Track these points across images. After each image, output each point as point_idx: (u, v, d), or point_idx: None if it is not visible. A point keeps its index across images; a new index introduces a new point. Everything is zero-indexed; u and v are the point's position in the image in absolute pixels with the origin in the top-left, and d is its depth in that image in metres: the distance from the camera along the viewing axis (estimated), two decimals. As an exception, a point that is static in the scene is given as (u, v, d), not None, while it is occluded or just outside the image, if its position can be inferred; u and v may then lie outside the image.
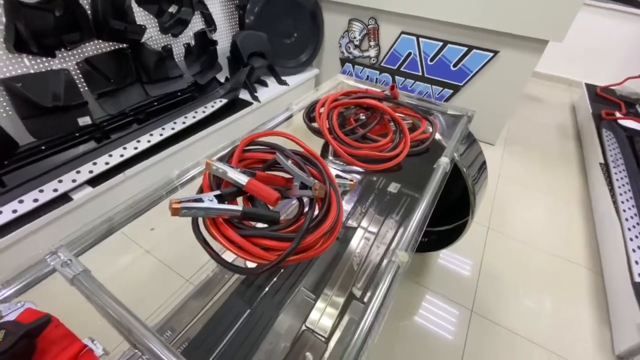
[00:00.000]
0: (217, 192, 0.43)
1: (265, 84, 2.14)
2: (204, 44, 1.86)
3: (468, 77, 2.05)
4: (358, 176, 1.07)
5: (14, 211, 1.10)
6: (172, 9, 1.63)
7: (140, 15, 1.56)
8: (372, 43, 2.25)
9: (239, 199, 0.46)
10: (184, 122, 1.60)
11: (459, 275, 1.36)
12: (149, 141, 1.47)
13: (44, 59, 1.31)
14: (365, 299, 0.67)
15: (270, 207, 0.46)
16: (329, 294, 0.72)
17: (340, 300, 0.72)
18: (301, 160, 0.49)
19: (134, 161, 1.41)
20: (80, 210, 1.26)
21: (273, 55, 2.16)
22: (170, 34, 1.67)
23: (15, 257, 1.11)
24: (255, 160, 0.52)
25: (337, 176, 0.55)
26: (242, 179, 0.45)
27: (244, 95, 1.98)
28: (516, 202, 1.76)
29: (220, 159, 0.49)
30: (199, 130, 1.64)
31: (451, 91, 2.15)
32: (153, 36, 1.64)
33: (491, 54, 1.91)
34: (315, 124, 0.70)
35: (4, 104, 1.24)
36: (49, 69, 1.33)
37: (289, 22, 2.22)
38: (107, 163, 1.33)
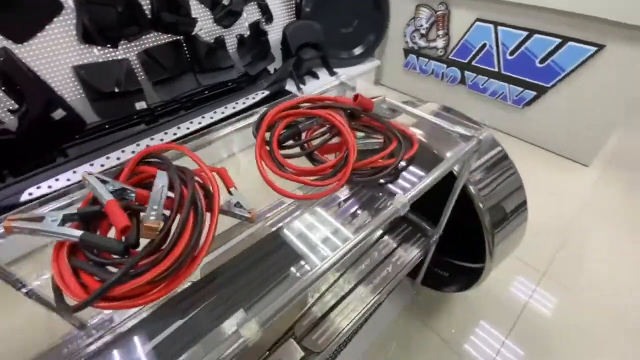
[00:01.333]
0: (73, 211, 0.41)
1: (316, 76, 2.09)
2: (257, 35, 1.89)
3: (559, 76, 1.62)
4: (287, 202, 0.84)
5: (68, 179, 1.31)
6: (226, 0, 1.69)
7: (197, 8, 1.65)
8: (440, 32, 1.96)
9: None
10: (222, 112, 1.67)
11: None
12: (188, 128, 1.57)
13: (110, 49, 1.50)
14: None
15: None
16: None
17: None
18: (179, 181, 0.43)
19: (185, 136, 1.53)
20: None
21: (328, 46, 2.07)
22: (222, 26, 1.73)
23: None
24: (151, 175, 0.48)
25: (237, 204, 0.48)
26: (105, 198, 0.42)
27: (292, 87, 1.96)
28: (601, 247, 1.34)
29: (111, 173, 0.47)
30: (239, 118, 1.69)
31: (534, 93, 1.74)
32: (205, 28, 1.72)
33: (594, 49, 1.46)
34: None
35: (78, 87, 1.47)
36: (113, 58, 1.52)
37: (349, 9, 2.09)
38: (147, 146, 1.48)
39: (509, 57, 1.74)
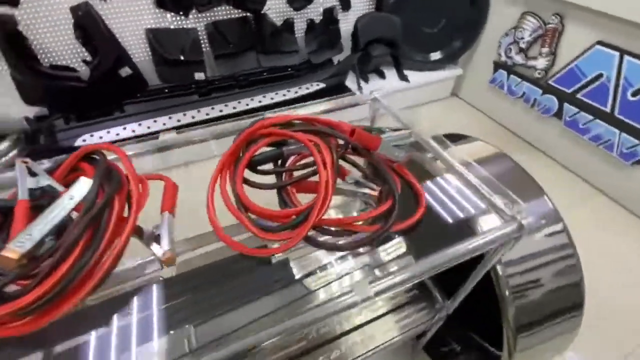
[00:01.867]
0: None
1: (382, 76, 1.91)
2: (329, 22, 1.78)
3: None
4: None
5: (117, 134, 1.41)
6: (302, -19, 1.60)
7: (272, -14, 1.60)
8: (544, 50, 1.61)
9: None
10: (272, 98, 1.62)
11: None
12: (234, 107, 1.57)
13: (181, 17, 1.54)
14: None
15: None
16: None
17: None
18: (93, 195, 0.36)
19: (214, 122, 1.55)
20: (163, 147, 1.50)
21: (404, 45, 1.87)
22: (293, 8, 1.66)
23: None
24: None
25: (156, 237, 0.40)
26: (19, 196, 0.38)
27: (352, 83, 1.82)
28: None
29: (51, 165, 0.43)
30: (284, 108, 1.64)
31: (654, 149, 1.33)
32: (276, 8, 1.67)
33: None
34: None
35: (147, 50, 1.55)
36: (182, 26, 1.56)
37: (440, 6, 1.83)
38: (192, 117, 1.51)
39: (631, 98, 1.35)
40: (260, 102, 1.61)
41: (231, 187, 0.45)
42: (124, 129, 1.43)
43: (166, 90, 1.63)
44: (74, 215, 0.37)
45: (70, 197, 0.37)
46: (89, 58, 1.42)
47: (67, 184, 0.42)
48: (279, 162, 0.51)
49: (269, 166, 0.50)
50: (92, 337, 0.55)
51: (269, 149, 0.51)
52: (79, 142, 1.37)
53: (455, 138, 0.75)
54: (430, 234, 0.52)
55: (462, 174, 0.53)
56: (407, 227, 0.45)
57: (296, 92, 1.67)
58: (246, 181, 0.47)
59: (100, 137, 1.39)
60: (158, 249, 0.39)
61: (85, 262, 0.34)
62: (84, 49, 1.39)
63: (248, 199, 0.44)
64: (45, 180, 0.41)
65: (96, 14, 1.33)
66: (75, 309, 0.34)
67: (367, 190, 0.46)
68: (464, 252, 0.43)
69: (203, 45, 1.62)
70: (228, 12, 1.61)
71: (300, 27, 1.76)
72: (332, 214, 0.77)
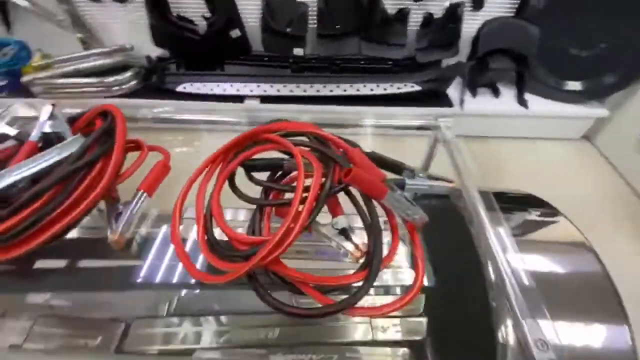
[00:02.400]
0: (7, 134, 0.42)
1: (496, 93, 1.62)
2: (450, 20, 1.56)
3: None
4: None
5: (211, 89, 1.53)
6: (433, -31, 1.42)
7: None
8: None
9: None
10: (357, 90, 1.54)
11: None
12: (318, 91, 1.54)
13: (297, -11, 1.54)
14: None
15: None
16: None
17: None
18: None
19: (304, 101, 1.55)
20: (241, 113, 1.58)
21: (537, 63, 1.53)
22: (412, -3, 1.50)
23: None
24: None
25: (119, 212, 0.38)
26: (33, 137, 0.41)
27: (456, 93, 1.60)
28: None
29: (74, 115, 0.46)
30: (377, 105, 1.53)
31: None
32: (393, -6, 1.53)
33: None
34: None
35: (257, 16, 1.61)
36: (296, -1, 1.57)
37: (605, 25, 1.42)
38: (278, 90, 1.54)
39: None
40: (345, 90, 1.54)
41: (210, 190, 0.42)
42: (218, 86, 1.54)
43: (266, 59, 1.69)
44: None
45: (59, 152, 0.39)
46: (207, 15, 1.55)
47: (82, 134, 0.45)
48: (278, 175, 0.45)
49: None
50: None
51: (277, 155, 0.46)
52: (179, 88, 1.53)
53: (527, 202, 0.57)
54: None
55: (498, 266, 0.39)
56: (373, 314, 0.35)
57: (385, 90, 1.54)
58: (232, 185, 0.43)
59: (198, 89, 1.53)
60: (112, 228, 0.39)
61: (43, 214, 0.35)
62: (205, 6, 1.52)
63: (218, 207, 0.40)
64: (60, 127, 0.44)
65: (221, -25, 1.42)
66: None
67: (349, 246, 0.37)
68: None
69: (309, 22, 1.60)
70: (343, -10, 1.55)
71: (415, 19, 1.59)
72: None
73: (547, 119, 1.60)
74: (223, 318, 0.50)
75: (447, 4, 1.55)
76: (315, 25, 1.62)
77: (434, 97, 1.59)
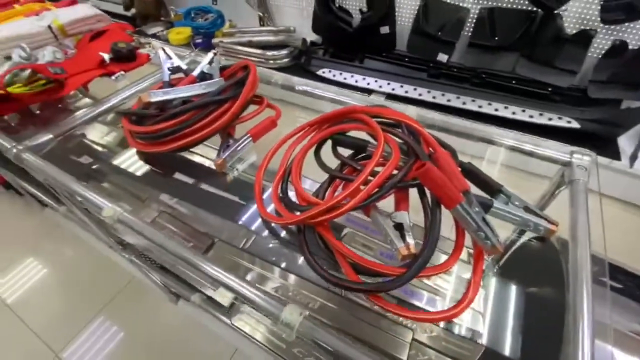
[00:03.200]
0: (181, 67, 0.55)
1: (697, 159, 1.20)
2: (656, 52, 1.22)
3: None
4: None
5: (345, 78, 1.62)
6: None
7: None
8: None
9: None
10: (496, 110, 1.37)
11: None
12: (464, 103, 1.44)
13: (462, -5, 1.46)
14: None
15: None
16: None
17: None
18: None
19: (431, 107, 1.48)
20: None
21: None
22: (604, 19, 1.22)
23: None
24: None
25: (233, 148, 0.45)
26: (196, 71, 0.53)
27: (628, 146, 1.26)
28: None
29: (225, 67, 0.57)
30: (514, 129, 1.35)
31: None
32: (577, 11, 1.28)
33: None
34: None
35: (412, 15, 1.60)
36: (459, 3, 1.49)
37: None
38: (406, 92, 1.52)
39: None
40: (480, 107, 1.40)
41: (298, 150, 0.46)
42: (352, 76, 1.62)
43: (406, 59, 1.68)
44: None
45: (204, 88, 0.50)
46: (364, 9, 1.63)
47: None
48: (361, 155, 0.47)
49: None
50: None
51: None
52: (319, 72, 1.68)
53: None
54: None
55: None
56: (400, 314, 0.33)
57: (531, 117, 1.33)
58: (317, 152, 0.47)
59: (334, 75, 1.65)
60: (219, 155, 0.48)
61: (180, 128, 0.46)
62: (365, 1, 1.60)
63: (298, 166, 0.44)
64: (213, 71, 0.56)
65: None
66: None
67: (397, 241, 0.36)
68: None
69: (465, 28, 1.50)
70: (517, 1, 1.38)
71: (599, 46, 1.30)
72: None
73: None
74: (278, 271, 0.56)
75: (658, 31, 1.21)
76: (469, 34, 1.51)
77: (596, 141, 1.29)
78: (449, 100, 1.44)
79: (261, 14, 2.00)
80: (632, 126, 1.21)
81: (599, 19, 1.23)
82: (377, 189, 0.36)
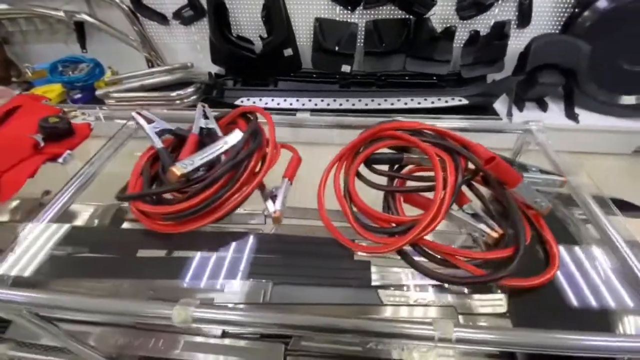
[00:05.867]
0: (172, 128, 0.49)
1: (544, 107, 1.64)
2: (496, 37, 1.61)
3: None
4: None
5: (266, 103, 1.63)
6: (479, -11, 1.49)
7: (445, -10, 1.54)
8: None
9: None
10: (405, 104, 1.59)
11: None
12: (366, 104, 1.61)
13: (348, 11, 1.64)
14: None
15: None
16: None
17: None
18: (241, 145, 0.43)
19: (353, 114, 1.62)
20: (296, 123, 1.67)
21: (587, 78, 1.55)
22: (459, 16, 1.56)
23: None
24: (240, 128, 0.51)
25: (273, 195, 0.43)
26: (193, 130, 0.48)
27: (502, 106, 1.63)
28: None
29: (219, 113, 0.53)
30: (418, 116, 1.58)
31: None
32: (440, 14, 1.60)
33: None
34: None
35: (309, 36, 1.72)
36: (346, 19, 1.67)
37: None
38: (328, 104, 1.62)
39: None
40: (392, 104, 1.60)
41: (344, 176, 0.47)
42: (272, 100, 1.64)
43: (314, 76, 1.79)
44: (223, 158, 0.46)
45: (225, 142, 0.45)
46: (264, 35, 1.67)
47: (226, 132, 0.52)
48: (396, 167, 0.51)
49: (383, 168, 0.51)
50: (197, 256, 0.68)
51: (389, 151, 0.51)
52: (237, 102, 1.64)
53: (628, 208, 0.60)
54: (545, 307, 0.43)
55: (621, 253, 0.42)
56: (520, 286, 0.38)
57: (432, 103, 1.59)
58: (359, 175, 0.48)
59: (253, 102, 1.63)
60: (271, 206, 0.45)
61: (222, 194, 0.41)
62: (263, 27, 1.64)
63: (355, 192, 0.45)
64: (212, 124, 0.51)
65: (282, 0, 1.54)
66: (197, 229, 0.42)
67: (485, 228, 0.41)
68: (584, 346, 0.34)
69: (358, 40, 1.70)
70: (391, 12, 1.64)
71: (460, 36, 1.66)
72: (429, 237, 0.72)
73: (596, 133, 1.60)
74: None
75: (492, 21, 1.61)
76: (362, 44, 1.71)
77: (480, 110, 1.62)
78: (366, 105, 1.61)
79: (147, 55, 1.83)
80: (502, 94, 1.58)
81: (458, 16, 1.57)
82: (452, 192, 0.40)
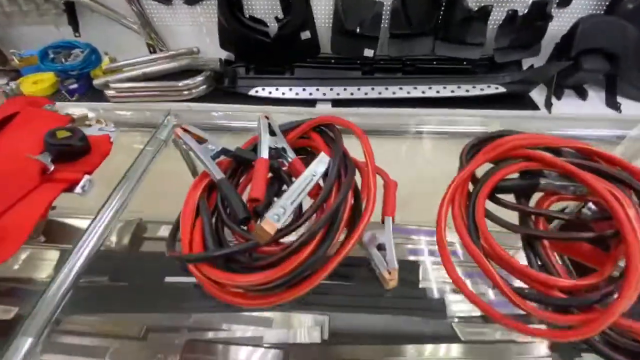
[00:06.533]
0: (232, 148, 0.37)
1: (583, 95, 1.52)
2: (537, 17, 1.47)
3: None
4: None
5: (283, 93, 1.49)
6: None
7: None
8: None
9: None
10: (437, 92, 1.46)
11: None
12: (394, 93, 1.47)
13: (374, -12, 1.47)
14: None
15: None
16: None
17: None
18: (334, 178, 0.31)
19: (371, 103, 1.49)
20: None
21: (633, 64, 1.43)
22: (498, -7, 1.41)
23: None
24: (317, 147, 0.39)
25: (381, 247, 0.32)
26: (261, 154, 0.36)
27: (539, 95, 1.50)
28: None
29: (284, 125, 0.41)
30: (450, 107, 1.46)
31: None
32: (477, -8, 1.45)
33: None
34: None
35: (330, 17, 1.56)
36: (371, -2, 1.50)
37: None
38: (351, 94, 1.48)
39: None
40: (423, 92, 1.47)
41: (470, 221, 0.35)
42: (290, 90, 1.50)
43: (332, 61, 1.63)
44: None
45: (313, 174, 0.33)
46: (280, 16, 1.51)
47: (296, 149, 0.40)
48: (525, 196, 0.39)
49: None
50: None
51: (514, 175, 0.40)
52: (252, 92, 1.49)
53: None
54: None
55: None
56: None
57: (467, 91, 1.46)
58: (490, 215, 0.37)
59: (270, 93, 1.49)
60: (382, 264, 0.33)
61: (321, 253, 0.30)
62: (280, 6, 1.48)
63: (493, 242, 0.33)
64: (281, 143, 0.39)
65: (300, -26, 1.37)
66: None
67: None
68: None
69: (383, 21, 1.54)
70: (421, -11, 1.48)
71: (497, 17, 1.51)
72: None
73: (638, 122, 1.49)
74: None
75: (530, 0, 1.46)
76: (387, 25, 1.56)
77: (516, 99, 1.50)
78: (394, 93, 1.47)
79: (149, 39, 1.66)
80: (541, 81, 1.45)
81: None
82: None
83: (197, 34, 1.68)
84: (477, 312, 0.64)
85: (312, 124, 0.41)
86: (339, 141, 0.38)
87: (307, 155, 0.41)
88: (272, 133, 0.39)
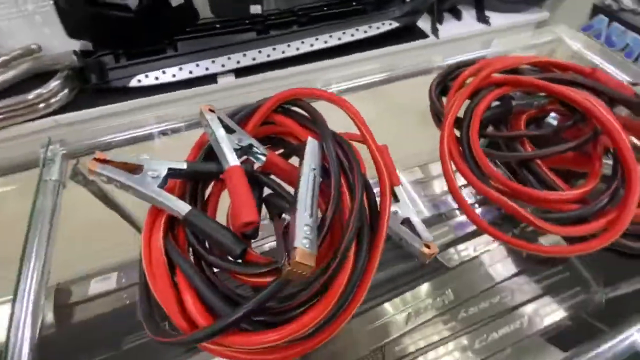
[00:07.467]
0: (183, 166, 0.27)
1: (458, 16, 1.66)
2: (406, -55, 1.49)
3: None
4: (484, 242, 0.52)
5: (173, 75, 1.26)
6: None
7: None
8: (670, -12, 1.34)
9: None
10: (339, 39, 1.42)
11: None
12: (297, 48, 1.38)
13: None
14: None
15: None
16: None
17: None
18: (338, 168, 0.25)
19: (278, 65, 1.38)
20: (221, 94, 1.35)
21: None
22: None
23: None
24: (290, 132, 0.31)
25: (407, 222, 0.29)
26: (230, 159, 0.27)
27: (424, 23, 1.59)
28: None
29: (235, 114, 0.31)
30: (351, 52, 1.44)
31: None
32: None
33: None
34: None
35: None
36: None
37: None
38: (253, 59, 1.34)
39: None
40: (326, 42, 1.41)
41: (471, 161, 0.33)
42: (180, 69, 1.28)
43: (218, 26, 1.43)
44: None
45: (312, 168, 0.26)
46: (137, -18, 1.22)
47: (260, 139, 0.31)
48: (500, 124, 0.39)
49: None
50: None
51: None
52: (133, 83, 1.23)
53: None
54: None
55: None
56: None
57: (365, 32, 1.45)
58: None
59: (157, 78, 1.25)
60: (416, 240, 0.29)
61: (359, 269, 0.24)
62: (132, -30, 1.18)
63: (502, 178, 0.32)
64: (245, 139, 0.30)
65: None
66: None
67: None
68: None
69: (261, -29, 1.38)
70: None
71: (372, -50, 1.48)
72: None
73: (507, 31, 1.71)
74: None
75: None
76: (267, -25, 1.41)
77: (407, 32, 1.56)
78: (297, 48, 1.38)
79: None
80: (424, 10, 1.52)
81: None
82: None
83: (30, 27, 1.26)
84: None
85: (270, 105, 0.32)
86: (318, 117, 0.30)
87: (273, 146, 0.33)
88: (228, 129, 0.29)
